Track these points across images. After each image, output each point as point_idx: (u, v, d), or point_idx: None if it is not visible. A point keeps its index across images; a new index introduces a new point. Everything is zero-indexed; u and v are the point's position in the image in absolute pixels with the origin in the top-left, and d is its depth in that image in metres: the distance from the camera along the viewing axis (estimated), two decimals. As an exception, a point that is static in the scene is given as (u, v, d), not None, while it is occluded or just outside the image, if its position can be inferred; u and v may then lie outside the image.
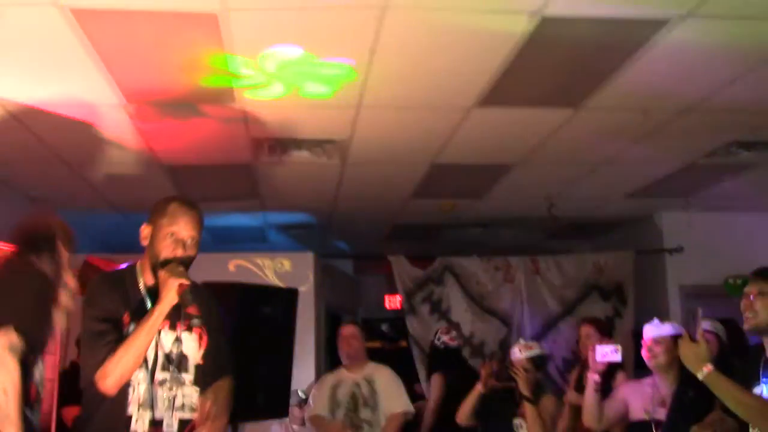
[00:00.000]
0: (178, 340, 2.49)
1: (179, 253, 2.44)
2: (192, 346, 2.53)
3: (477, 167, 5.32)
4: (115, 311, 2.42)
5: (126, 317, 2.43)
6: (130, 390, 2.39)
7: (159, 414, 2.41)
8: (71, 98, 3.80)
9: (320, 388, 4.71)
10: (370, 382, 4.53)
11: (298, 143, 4.69)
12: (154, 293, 2.44)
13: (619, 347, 3.53)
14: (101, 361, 2.31)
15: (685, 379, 3.22)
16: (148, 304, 2.45)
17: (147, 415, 2.39)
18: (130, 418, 2.38)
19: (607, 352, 3.49)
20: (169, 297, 2.35)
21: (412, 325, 6.67)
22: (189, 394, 2.50)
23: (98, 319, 2.38)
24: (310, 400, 4.77)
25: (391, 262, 6.79)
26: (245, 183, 5.58)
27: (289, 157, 4.89)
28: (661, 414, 3.24)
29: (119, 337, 2.37)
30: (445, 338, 5.45)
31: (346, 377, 4.63)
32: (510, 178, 5.61)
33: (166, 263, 2.42)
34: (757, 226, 6.70)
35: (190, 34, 3.15)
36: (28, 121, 4.08)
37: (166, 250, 2.45)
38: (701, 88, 3.86)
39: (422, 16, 3.01)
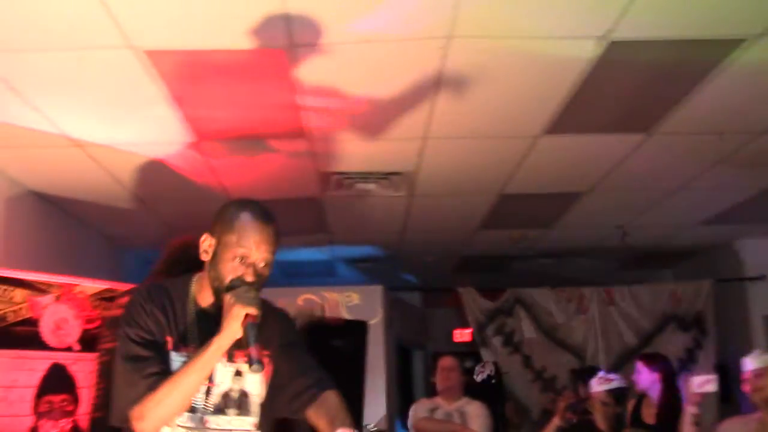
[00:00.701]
0: (238, 374, 2.01)
1: (249, 279, 1.95)
2: (256, 380, 2.03)
3: (546, 196, 5.24)
4: (159, 334, 1.96)
5: (169, 342, 1.97)
6: None
7: None
8: (145, 137, 3.91)
9: (420, 405, 4.95)
10: (462, 414, 4.71)
11: (365, 176, 4.70)
12: (209, 318, 1.98)
13: (716, 377, 3.41)
14: (139, 397, 1.86)
15: None
16: (197, 331, 1.98)
17: None
18: None
19: (704, 382, 3.39)
20: (233, 328, 1.87)
21: (485, 357, 6.57)
22: None
23: (139, 341, 1.92)
24: (411, 414, 4.94)
25: (461, 294, 6.72)
26: (313, 217, 5.62)
27: (357, 190, 4.91)
28: None
29: (164, 367, 1.92)
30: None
31: (442, 405, 4.84)
32: (581, 207, 5.51)
33: (233, 286, 1.93)
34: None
35: (259, 71, 3.20)
36: (105, 161, 4.21)
37: (234, 272, 1.95)
38: (779, 109, 3.73)
39: (487, 44, 2.98)
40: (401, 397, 7.54)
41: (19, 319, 3.60)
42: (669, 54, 3.09)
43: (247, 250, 1.97)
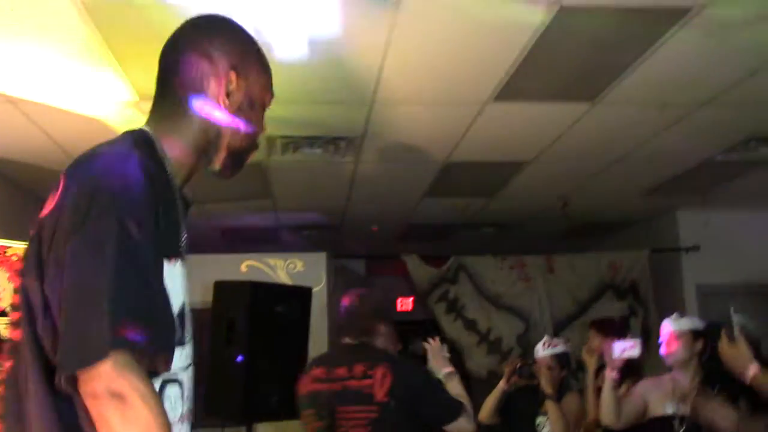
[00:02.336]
0: None
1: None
2: None
3: (491, 164, 5.27)
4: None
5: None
6: None
7: None
8: (83, 95, 3.77)
9: None
10: None
11: (311, 141, 4.64)
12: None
13: (638, 341, 3.48)
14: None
15: (708, 374, 3.17)
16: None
17: None
18: None
19: (626, 347, 3.42)
20: None
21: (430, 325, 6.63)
22: None
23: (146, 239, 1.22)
24: None
25: (406, 261, 6.74)
26: (257, 182, 5.54)
27: (302, 155, 4.85)
28: (684, 409, 3.18)
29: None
30: None
31: None
32: (524, 176, 5.55)
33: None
34: (777, 224, 6.62)
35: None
36: (40, 119, 4.06)
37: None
38: (721, 81, 3.80)
39: (437, 7, 2.95)
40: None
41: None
42: (616, 21, 3.11)
43: (271, 95, 1.58)
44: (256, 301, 3.94)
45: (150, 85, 3.26)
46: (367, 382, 2.86)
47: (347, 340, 3.10)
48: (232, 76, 1.45)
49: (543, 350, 4.03)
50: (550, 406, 3.79)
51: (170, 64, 1.47)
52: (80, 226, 1.18)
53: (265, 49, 1.61)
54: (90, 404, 1.13)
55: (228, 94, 1.45)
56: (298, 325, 4.24)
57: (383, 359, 2.94)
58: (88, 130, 4.19)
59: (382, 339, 3.09)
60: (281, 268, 6.35)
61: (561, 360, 4.01)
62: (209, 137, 1.45)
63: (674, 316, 3.49)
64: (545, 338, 4.20)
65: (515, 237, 7.83)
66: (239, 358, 3.69)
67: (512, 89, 3.83)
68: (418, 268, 6.73)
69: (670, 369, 3.46)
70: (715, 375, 3.07)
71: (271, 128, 4.38)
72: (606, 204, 6.56)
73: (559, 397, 3.90)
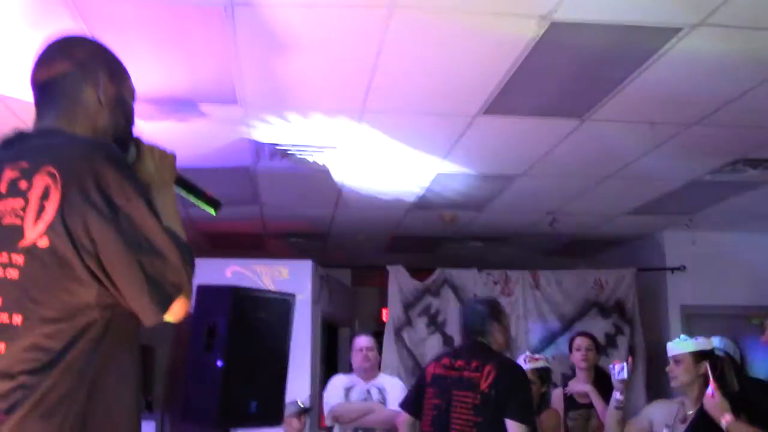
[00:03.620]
0: None
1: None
2: None
3: (479, 178, 5.26)
4: None
5: None
6: None
7: None
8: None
9: (334, 387, 4.85)
10: (381, 390, 4.64)
11: (301, 148, 4.63)
12: None
13: (625, 365, 3.51)
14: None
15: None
16: None
17: None
18: None
19: (619, 370, 3.54)
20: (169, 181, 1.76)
21: (408, 337, 6.60)
22: None
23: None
24: (325, 397, 4.87)
25: (390, 272, 6.72)
26: (245, 188, 5.52)
27: (291, 162, 4.83)
28: (680, 429, 3.17)
29: None
30: None
31: (359, 382, 4.80)
32: (512, 191, 5.56)
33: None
34: (762, 245, 6.64)
35: (195, 29, 3.09)
36: (24, 114, 4.02)
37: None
38: (710, 102, 3.81)
39: (430, 17, 2.95)
40: (327, 372, 7.52)
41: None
42: (607, 38, 3.12)
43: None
44: (238, 307, 3.88)
45: (140, 83, 3.24)
46: (477, 375, 3.46)
47: (470, 339, 3.69)
48: (105, 76, 1.66)
49: (525, 364, 4.01)
50: None
51: (45, 78, 1.64)
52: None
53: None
54: None
55: (103, 94, 1.65)
56: (280, 333, 4.18)
57: (492, 359, 3.52)
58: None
59: (496, 337, 3.63)
60: (266, 275, 6.31)
61: (542, 375, 3.99)
62: (98, 132, 1.64)
63: (677, 339, 3.46)
64: (527, 353, 4.19)
65: (502, 252, 7.83)
66: (219, 364, 3.64)
67: (502, 103, 3.84)
68: (402, 280, 6.71)
69: None
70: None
71: (259, 134, 4.40)
72: (593, 222, 6.56)
73: (537, 412, 3.88)
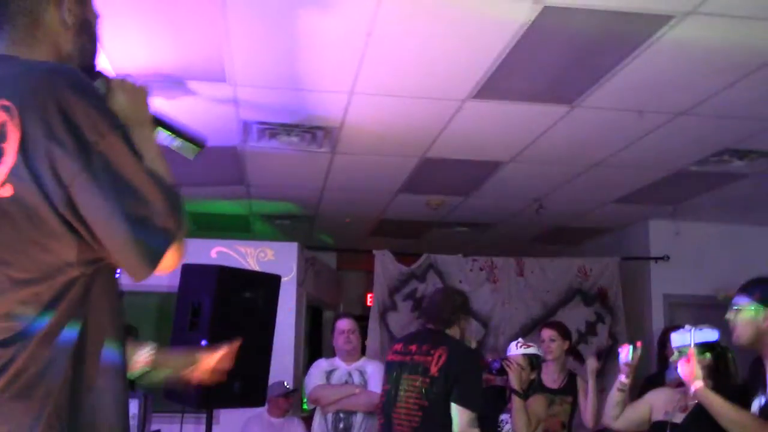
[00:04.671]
0: None
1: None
2: None
3: (467, 163, 5.26)
4: None
5: None
6: None
7: None
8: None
9: (316, 370, 4.84)
10: (362, 372, 4.65)
11: (288, 128, 4.60)
12: None
13: (631, 348, 3.54)
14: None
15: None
16: None
17: None
18: None
19: (624, 355, 3.57)
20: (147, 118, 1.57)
21: (392, 321, 6.61)
22: None
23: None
24: (306, 379, 4.85)
25: (376, 256, 6.72)
26: (232, 168, 5.48)
27: (278, 142, 4.80)
28: (679, 418, 3.18)
29: None
30: None
31: (340, 365, 4.79)
32: (500, 177, 5.56)
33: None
34: (746, 237, 6.70)
35: (186, 4, 3.06)
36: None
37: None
38: (699, 91, 3.82)
39: (422, -2, 2.94)
40: (310, 355, 7.53)
41: None
42: (599, 24, 3.11)
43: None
44: (223, 286, 3.88)
45: (127, 60, 3.15)
46: (428, 358, 3.44)
47: (429, 326, 3.66)
48: None
49: (516, 349, 4.02)
50: (515, 400, 3.78)
51: None
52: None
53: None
54: None
55: (69, 14, 1.43)
56: (264, 313, 4.19)
57: (445, 343, 3.49)
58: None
59: (458, 330, 3.64)
60: (251, 256, 6.29)
61: (533, 361, 4.00)
62: (62, 58, 1.43)
63: (680, 330, 3.42)
64: (519, 339, 4.20)
65: (487, 238, 7.84)
66: (203, 343, 3.63)
67: (491, 88, 3.83)
68: (388, 264, 6.72)
69: None
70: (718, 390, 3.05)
71: (248, 113, 4.36)
72: (579, 209, 6.59)
73: (524, 395, 3.90)
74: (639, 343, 3.65)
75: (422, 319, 3.88)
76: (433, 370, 3.39)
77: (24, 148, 1.17)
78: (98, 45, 1.53)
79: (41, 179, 1.17)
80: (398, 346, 3.72)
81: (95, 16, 1.52)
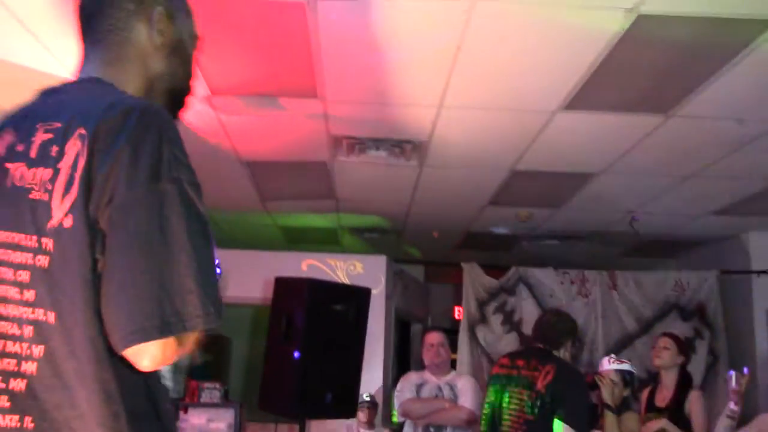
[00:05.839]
0: None
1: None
2: None
3: (558, 175, 5.18)
4: None
5: None
6: None
7: None
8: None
9: (406, 383, 4.85)
10: (452, 387, 4.64)
11: (377, 143, 4.65)
12: None
13: (734, 374, 3.45)
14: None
15: None
16: None
17: None
18: None
19: (737, 379, 3.47)
20: None
21: (481, 334, 6.56)
22: None
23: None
24: (397, 393, 4.87)
25: (464, 269, 6.69)
26: (321, 182, 5.58)
27: (367, 156, 4.86)
28: None
29: None
30: None
31: (430, 379, 4.79)
32: (591, 189, 5.45)
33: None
34: None
35: (277, 23, 3.14)
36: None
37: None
38: (804, 98, 3.66)
39: (512, 9, 2.92)
40: (399, 367, 7.56)
41: None
42: (696, 31, 3.02)
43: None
44: (314, 299, 3.95)
45: (223, 80, 3.26)
46: (535, 374, 3.55)
47: (538, 345, 3.77)
48: (161, 10, 1.40)
49: (609, 364, 3.93)
50: (608, 416, 3.68)
51: (93, 6, 1.39)
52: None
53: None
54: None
55: (159, 34, 1.39)
56: (355, 326, 4.23)
57: (553, 361, 3.59)
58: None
59: (565, 352, 3.75)
60: (341, 269, 6.38)
61: (625, 378, 3.89)
62: (151, 80, 1.40)
63: None
64: (611, 355, 4.10)
65: (578, 251, 7.69)
66: (296, 354, 3.71)
67: (583, 98, 3.77)
68: (477, 277, 6.68)
69: None
70: None
71: (337, 128, 4.44)
72: (675, 222, 6.38)
73: (617, 412, 3.80)
74: (746, 370, 3.53)
75: (533, 338, 3.97)
76: (540, 385, 3.48)
77: (86, 179, 1.15)
78: (192, 67, 1.48)
79: (92, 216, 1.14)
80: (505, 360, 3.82)
81: (193, 37, 1.48)
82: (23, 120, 1.28)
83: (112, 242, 1.12)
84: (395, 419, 5.50)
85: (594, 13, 2.91)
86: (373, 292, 5.11)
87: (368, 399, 5.43)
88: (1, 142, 1.27)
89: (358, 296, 4.33)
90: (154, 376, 1.21)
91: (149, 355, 1.11)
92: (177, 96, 1.44)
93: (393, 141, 4.61)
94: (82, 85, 1.33)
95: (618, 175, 5.05)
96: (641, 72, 3.48)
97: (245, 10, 3.02)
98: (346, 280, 6.26)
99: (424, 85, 3.72)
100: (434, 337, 4.85)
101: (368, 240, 7.61)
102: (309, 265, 6.32)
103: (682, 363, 4.42)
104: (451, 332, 9.06)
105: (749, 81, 3.48)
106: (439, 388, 4.72)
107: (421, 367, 5.00)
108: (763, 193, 5.34)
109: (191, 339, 1.16)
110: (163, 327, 1.10)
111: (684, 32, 3.03)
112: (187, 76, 1.46)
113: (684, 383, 4.32)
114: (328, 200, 6.14)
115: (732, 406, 3.38)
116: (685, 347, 4.55)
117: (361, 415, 5.30)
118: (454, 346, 6.18)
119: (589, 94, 3.71)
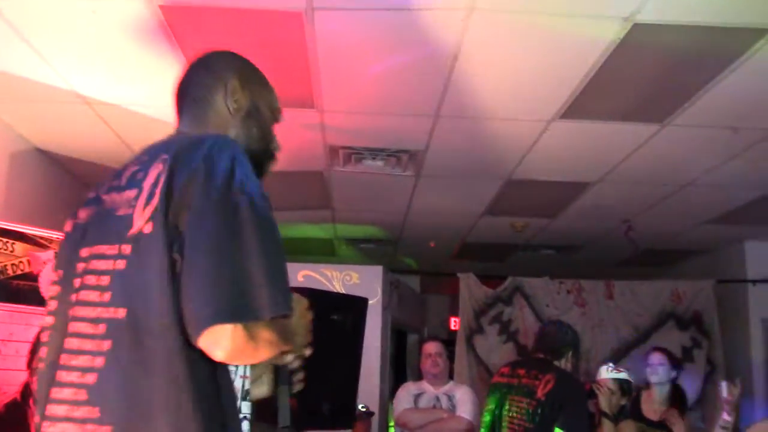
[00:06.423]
0: None
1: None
2: None
3: (554, 184, 5.20)
4: None
5: None
6: None
7: None
8: (156, 98, 3.85)
9: (404, 393, 4.82)
10: (450, 397, 4.62)
11: (373, 153, 4.66)
12: None
13: (725, 384, 3.44)
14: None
15: None
16: None
17: None
18: None
19: (724, 390, 3.47)
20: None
21: (478, 344, 6.55)
22: None
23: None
24: (395, 403, 4.85)
25: (461, 279, 6.69)
26: (318, 192, 5.58)
27: (363, 166, 4.86)
28: None
29: None
30: None
31: (428, 389, 4.76)
32: (587, 198, 5.46)
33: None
34: None
35: (275, 33, 3.15)
36: (113, 121, 4.16)
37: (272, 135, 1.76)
38: (798, 106, 3.68)
39: (509, 19, 2.93)
40: (395, 378, 7.53)
41: (19, 272, 3.58)
42: (691, 40, 3.04)
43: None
44: (312, 308, 3.93)
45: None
46: (536, 382, 3.57)
47: (539, 355, 3.79)
48: (235, 82, 1.66)
49: (607, 373, 3.92)
50: (605, 423, 3.67)
51: (185, 81, 1.69)
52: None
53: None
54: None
55: (234, 102, 1.65)
56: (352, 336, 4.20)
57: (553, 371, 3.61)
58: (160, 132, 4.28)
59: (565, 363, 3.77)
60: (337, 279, 6.36)
61: (623, 386, 3.88)
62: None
63: None
64: (609, 363, 4.09)
65: (575, 261, 7.70)
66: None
67: (579, 107, 3.78)
68: (473, 287, 6.67)
69: None
70: None
71: (333, 138, 4.44)
72: (671, 231, 6.40)
73: (615, 421, 3.78)
74: (740, 381, 3.53)
75: (534, 347, 4.01)
76: (540, 394, 3.51)
77: (167, 191, 1.31)
78: (270, 134, 1.74)
79: (171, 222, 1.29)
80: (506, 369, 3.86)
81: (272, 110, 1.75)
82: (123, 168, 1.50)
83: (190, 242, 1.27)
84: (392, 430, 5.48)
85: (590, 22, 2.92)
86: (370, 302, 5.10)
87: (363, 409, 5.41)
88: (101, 187, 1.51)
89: (356, 306, 4.29)
90: (225, 373, 1.37)
91: (221, 345, 1.24)
92: (255, 157, 1.58)
93: (389, 151, 4.62)
94: (171, 136, 1.59)
95: (614, 184, 5.07)
96: (637, 81, 3.50)
97: (242, 20, 3.02)
98: (342, 291, 6.25)
99: (420, 95, 3.73)
100: (432, 347, 4.84)
101: (364, 250, 7.60)
102: (305, 275, 6.30)
103: (674, 378, 4.41)
104: (448, 343, 9.04)
105: (744, 89, 3.49)
106: (437, 398, 4.70)
107: (418, 377, 4.98)
108: (758, 202, 5.36)
109: (263, 336, 1.30)
110: (234, 311, 1.23)
111: (679, 41, 3.05)
112: (265, 140, 1.71)
113: (678, 399, 4.30)
114: (325, 210, 6.14)
115: (725, 416, 3.37)
116: (677, 362, 4.53)
117: (358, 426, 5.28)
118: (451, 357, 6.17)
119: (585, 103, 3.73)
